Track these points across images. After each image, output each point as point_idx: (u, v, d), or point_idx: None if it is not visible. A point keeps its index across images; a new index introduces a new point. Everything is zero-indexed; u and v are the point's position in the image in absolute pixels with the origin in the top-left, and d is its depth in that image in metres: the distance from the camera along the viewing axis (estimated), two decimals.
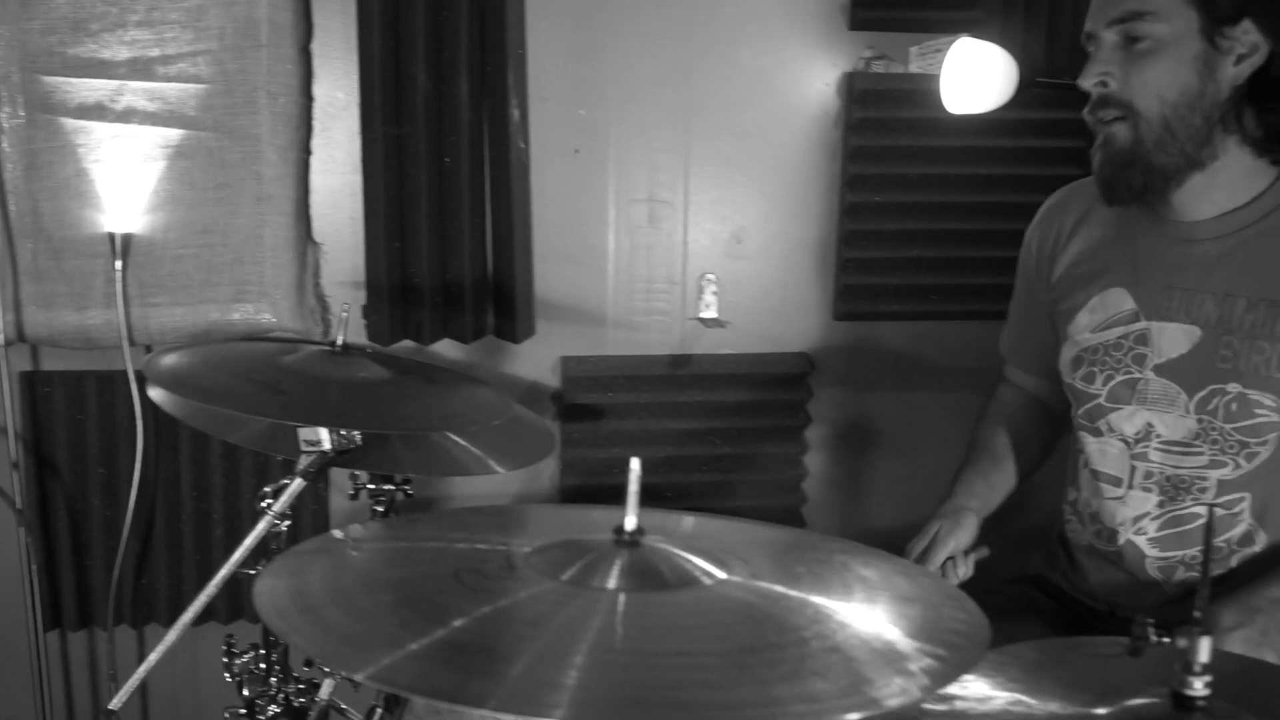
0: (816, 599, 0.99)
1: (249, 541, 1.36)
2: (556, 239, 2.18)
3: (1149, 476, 1.55)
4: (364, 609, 0.97)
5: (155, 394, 1.67)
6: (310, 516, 2.14)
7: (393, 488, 1.66)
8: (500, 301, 2.12)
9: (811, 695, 0.83)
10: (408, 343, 2.11)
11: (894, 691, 0.84)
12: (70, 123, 1.90)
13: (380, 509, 1.68)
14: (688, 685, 0.85)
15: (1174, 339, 1.51)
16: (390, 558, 1.13)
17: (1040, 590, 1.73)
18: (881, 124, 2.19)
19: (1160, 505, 1.54)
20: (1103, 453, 1.60)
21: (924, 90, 2.03)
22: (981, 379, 1.95)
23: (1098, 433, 1.59)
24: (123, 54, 1.90)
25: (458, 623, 0.90)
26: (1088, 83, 1.46)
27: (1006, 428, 1.77)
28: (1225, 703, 0.93)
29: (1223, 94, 1.42)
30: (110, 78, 1.91)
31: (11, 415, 2.01)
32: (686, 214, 2.21)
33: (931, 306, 2.27)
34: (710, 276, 2.23)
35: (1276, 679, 1.12)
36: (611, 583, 0.98)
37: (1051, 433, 1.78)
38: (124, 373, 1.98)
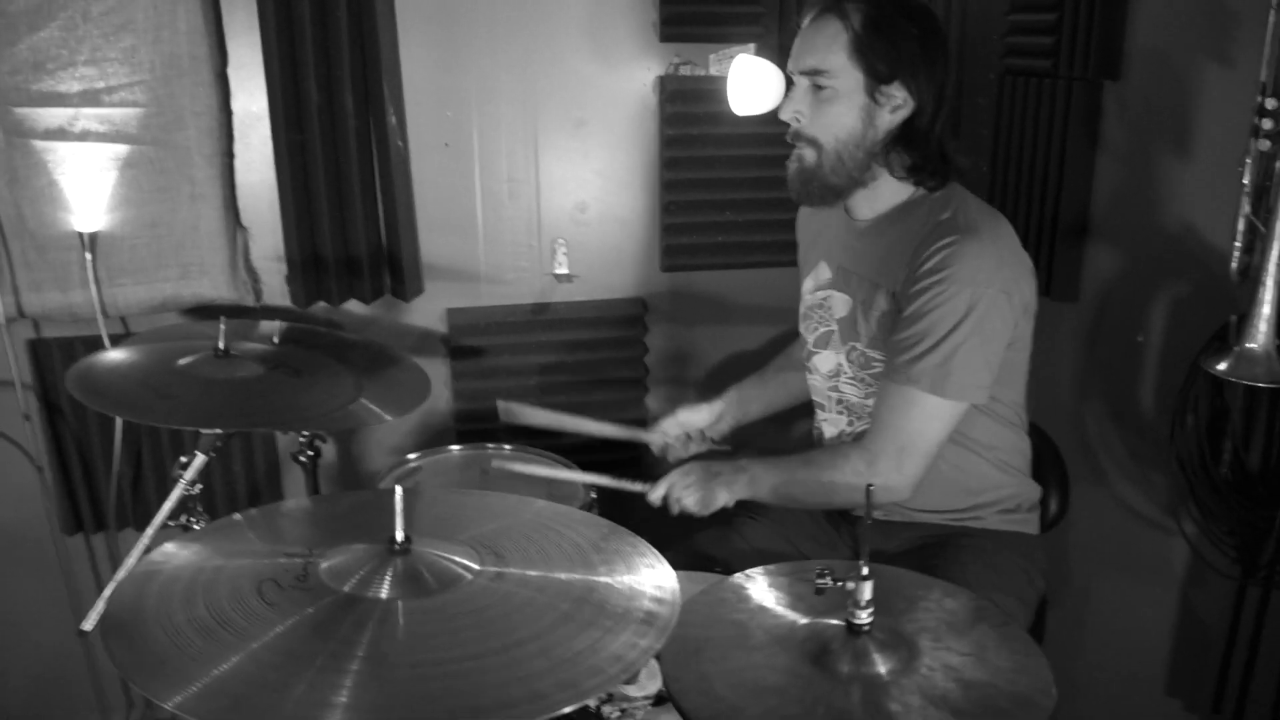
0: (561, 575, 1.21)
1: (165, 508, 1.71)
2: (437, 215, 2.68)
3: (839, 404, 2.01)
4: (179, 628, 1.09)
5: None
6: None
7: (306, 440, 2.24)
8: (394, 267, 2.64)
9: (570, 682, 1.02)
10: (322, 303, 2.63)
11: (635, 653, 1.07)
12: (40, 144, 2.36)
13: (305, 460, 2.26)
14: (455, 693, 0.99)
15: (839, 304, 1.97)
16: (208, 574, 1.21)
17: None
18: (689, 117, 2.68)
19: (849, 424, 1.99)
20: (814, 387, 2.07)
21: (721, 89, 2.53)
22: (773, 314, 2.47)
23: (810, 370, 2.07)
24: (75, 87, 2.35)
25: (255, 644, 1.04)
26: (784, 115, 1.86)
27: (790, 361, 2.24)
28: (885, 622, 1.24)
29: (879, 135, 1.82)
30: (67, 106, 2.35)
31: (18, 374, 2.50)
32: (539, 190, 2.71)
33: (735, 259, 2.81)
34: (561, 240, 2.75)
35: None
36: (384, 591, 1.14)
37: None
38: (100, 338, 2.49)
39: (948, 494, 1.93)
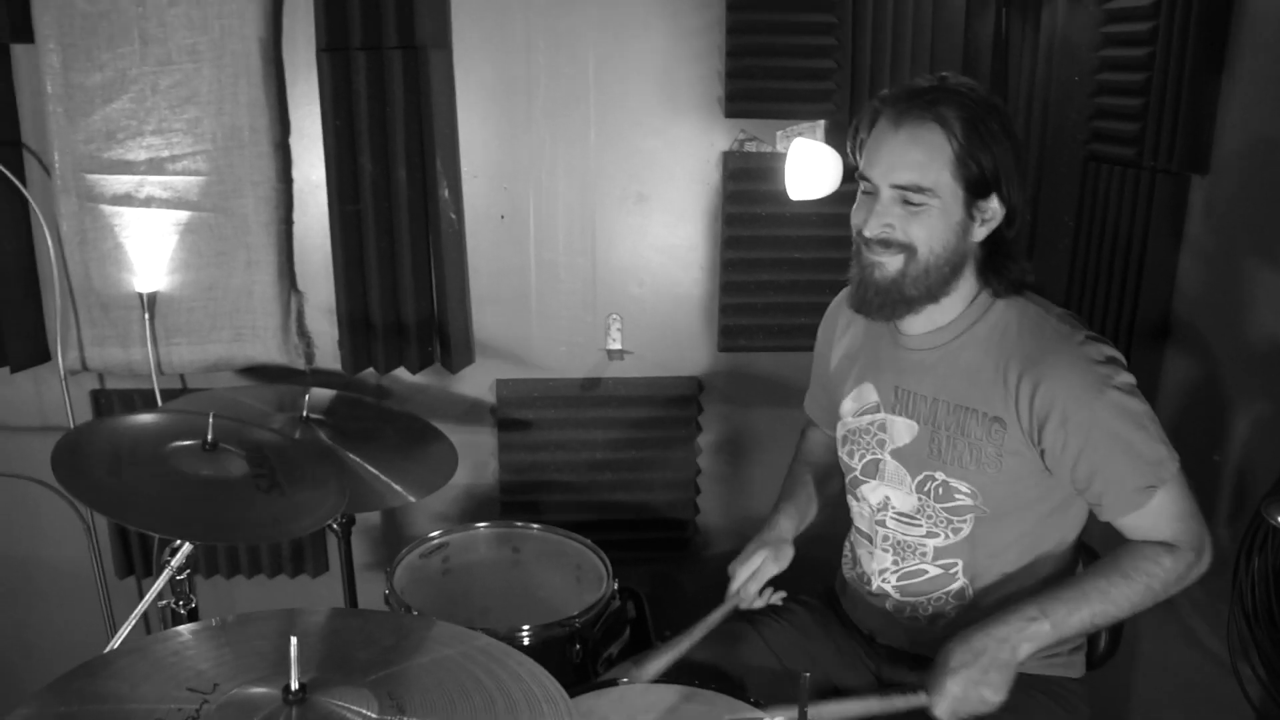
0: None
1: (148, 597, 1.70)
2: (490, 286, 2.67)
3: (886, 540, 1.83)
4: None
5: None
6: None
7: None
8: (443, 337, 2.64)
9: None
10: (370, 370, 2.65)
11: None
12: (108, 209, 2.47)
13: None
14: None
15: (900, 430, 1.78)
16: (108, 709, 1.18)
17: (833, 610, 2.02)
18: (752, 194, 2.60)
19: (895, 563, 1.82)
20: (860, 514, 1.90)
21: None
22: None
23: (856, 499, 1.89)
24: (142, 155, 2.45)
25: None
26: (872, 232, 1.65)
27: (812, 467, 2.09)
28: None
29: (969, 249, 1.67)
30: (134, 174, 2.45)
31: (73, 424, 2.61)
32: (595, 265, 2.67)
33: (794, 341, 2.68)
34: (616, 315, 2.70)
35: None
36: None
37: None
38: (153, 391, 2.58)
39: None
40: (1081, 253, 2.41)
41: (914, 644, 1.85)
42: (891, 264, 1.66)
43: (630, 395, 2.72)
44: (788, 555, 1.95)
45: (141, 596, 2.76)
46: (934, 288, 1.68)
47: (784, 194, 2.50)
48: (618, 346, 2.70)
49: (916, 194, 1.62)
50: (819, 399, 2.11)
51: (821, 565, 2.03)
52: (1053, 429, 1.63)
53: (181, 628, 1.37)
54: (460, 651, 1.35)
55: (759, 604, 1.93)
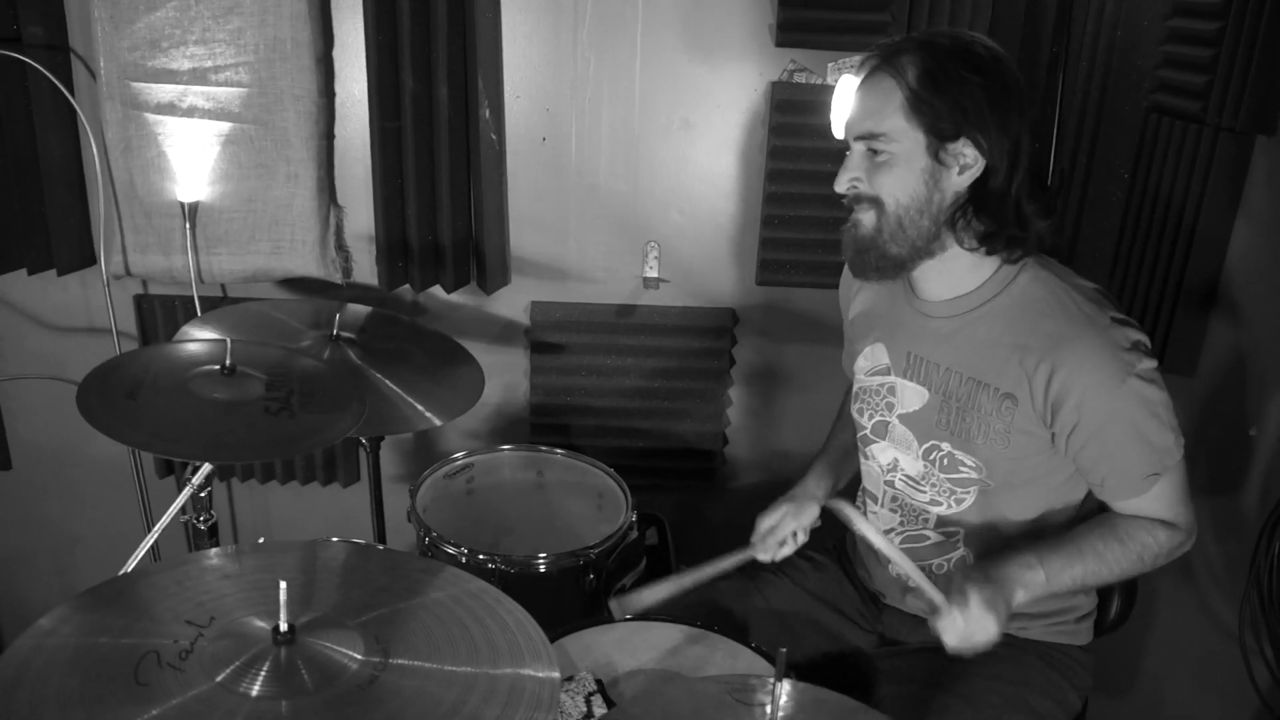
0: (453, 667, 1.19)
1: (169, 513, 1.73)
2: (529, 209, 2.64)
3: (894, 500, 1.83)
4: (45, 698, 1.08)
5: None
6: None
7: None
8: (479, 258, 2.63)
9: None
10: (406, 287, 2.66)
11: None
12: (151, 117, 2.47)
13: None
14: None
15: (910, 396, 1.76)
16: (112, 634, 1.20)
17: (842, 567, 2.03)
18: (799, 128, 2.52)
19: (900, 524, 1.82)
20: (869, 473, 1.89)
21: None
22: None
23: (866, 457, 1.88)
24: (186, 65, 2.44)
25: None
26: (841, 187, 1.67)
27: (849, 423, 2.04)
28: None
29: (947, 200, 1.61)
30: (177, 83, 2.45)
31: (115, 327, 2.64)
32: (635, 191, 2.63)
33: (832, 278, 2.59)
34: (654, 243, 2.67)
35: None
36: (255, 689, 1.12)
37: None
38: (193, 299, 2.61)
39: None
40: (1135, 208, 2.31)
41: (917, 608, 1.85)
42: (866, 220, 1.66)
43: (664, 324, 2.71)
44: (811, 514, 1.94)
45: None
46: (918, 243, 1.64)
47: (830, 129, 2.41)
48: (654, 275, 2.67)
49: (874, 141, 1.62)
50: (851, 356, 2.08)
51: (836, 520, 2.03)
52: (1067, 412, 1.60)
53: (201, 553, 1.40)
54: (450, 595, 1.38)
55: (780, 556, 1.93)
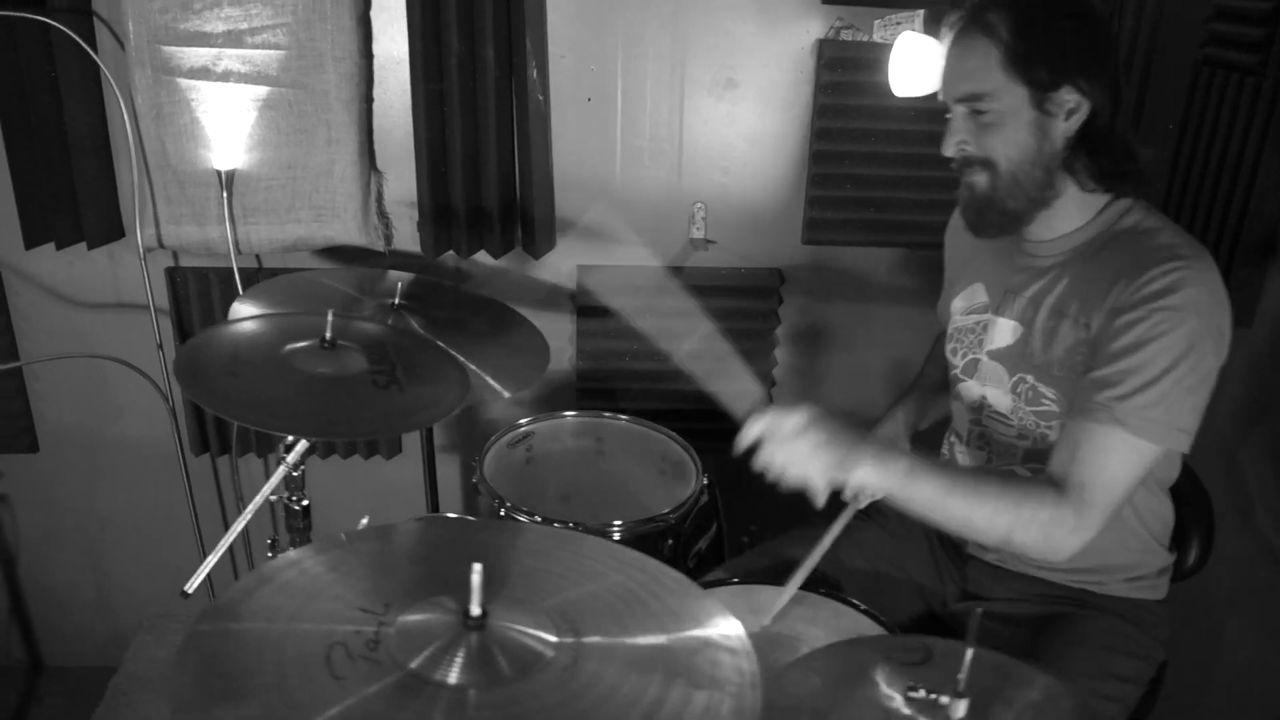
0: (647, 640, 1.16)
1: (264, 491, 1.67)
2: (574, 171, 2.59)
3: (981, 438, 1.85)
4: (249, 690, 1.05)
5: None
6: None
7: None
8: (525, 222, 2.58)
9: None
10: (450, 253, 2.60)
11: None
12: (184, 82, 2.37)
13: None
14: None
15: (1004, 331, 1.78)
16: (286, 624, 1.16)
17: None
18: (847, 86, 2.50)
19: (989, 461, 1.83)
20: (958, 414, 1.91)
21: (883, 58, 2.32)
22: (913, 296, 2.32)
23: (955, 397, 1.90)
24: (220, 27, 2.33)
25: None
26: (949, 152, 1.68)
27: (940, 364, 2.01)
28: None
29: (1058, 147, 1.62)
30: (211, 46, 2.34)
31: (152, 303, 2.57)
32: (681, 151, 2.60)
33: (879, 237, 2.64)
34: (700, 204, 2.64)
35: None
36: (453, 676, 1.09)
37: None
38: (229, 271, 2.53)
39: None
40: (1184, 163, 2.35)
41: (1000, 558, 1.86)
42: (980, 181, 1.67)
43: (712, 285, 2.68)
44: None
45: (216, 473, 2.82)
46: (1034, 194, 1.66)
47: (879, 85, 2.39)
48: (701, 235, 2.65)
49: (976, 103, 1.63)
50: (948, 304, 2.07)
51: None
52: (1119, 325, 1.58)
53: (330, 537, 1.35)
54: (627, 576, 1.36)
55: (860, 505, 1.84)
